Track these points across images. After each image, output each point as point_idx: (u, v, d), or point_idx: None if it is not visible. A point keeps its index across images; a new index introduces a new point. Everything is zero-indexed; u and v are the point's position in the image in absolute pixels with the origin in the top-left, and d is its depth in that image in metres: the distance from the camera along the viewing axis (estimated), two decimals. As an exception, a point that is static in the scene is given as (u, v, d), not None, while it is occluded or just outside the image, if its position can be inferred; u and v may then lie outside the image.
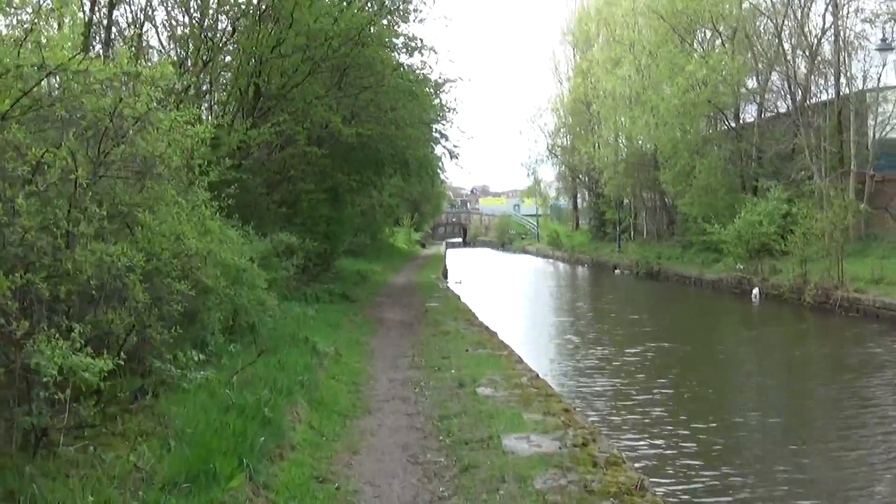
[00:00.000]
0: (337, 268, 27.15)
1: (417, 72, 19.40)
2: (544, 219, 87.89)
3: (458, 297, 23.77)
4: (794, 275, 26.93)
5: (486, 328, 16.09)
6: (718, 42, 39.55)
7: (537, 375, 10.64)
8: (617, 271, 44.64)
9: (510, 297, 32.18)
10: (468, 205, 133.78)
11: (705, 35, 40.74)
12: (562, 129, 66.69)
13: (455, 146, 23.92)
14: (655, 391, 13.34)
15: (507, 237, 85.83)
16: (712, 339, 20.60)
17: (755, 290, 28.77)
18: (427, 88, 19.39)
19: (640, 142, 45.61)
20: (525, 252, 73.55)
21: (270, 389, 7.68)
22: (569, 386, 13.72)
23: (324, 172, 20.35)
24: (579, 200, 74.12)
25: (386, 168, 23.76)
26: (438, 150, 24.60)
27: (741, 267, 30.42)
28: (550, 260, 62.29)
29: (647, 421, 11.19)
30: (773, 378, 15.00)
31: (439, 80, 19.51)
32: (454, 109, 21.60)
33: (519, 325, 22.21)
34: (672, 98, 34.86)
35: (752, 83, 38.07)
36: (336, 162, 20.86)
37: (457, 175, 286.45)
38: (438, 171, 25.30)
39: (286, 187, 18.80)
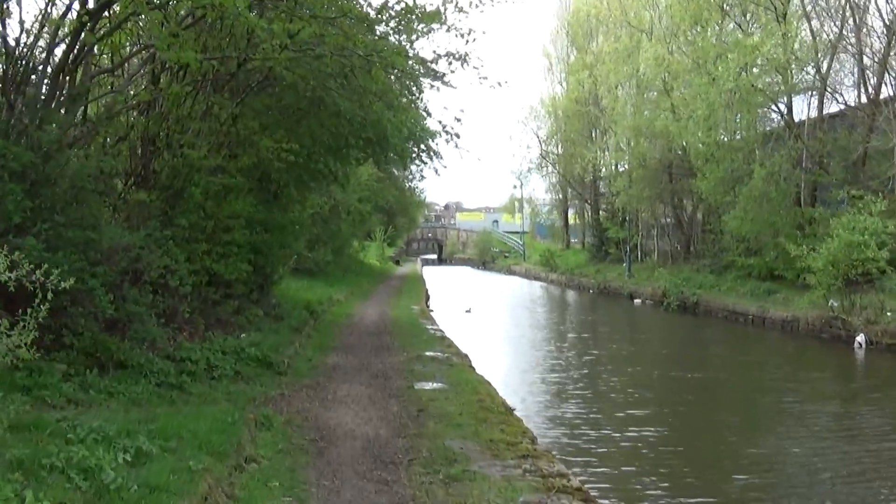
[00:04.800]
0: (277, 296, 18.65)
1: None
2: (528, 236, 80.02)
3: (469, 362, 13.96)
4: (924, 318, 19.18)
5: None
6: (756, 26, 32.18)
7: None
8: (636, 301, 36.40)
9: (531, 349, 22.05)
10: (442, 220, 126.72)
11: (744, 16, 33.19)
12: (556, 135, 58.72)
13: (457, 118, 15.35)
14: None
15: (489, 255, 77.52)
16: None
17: (860, 337, 20.83)
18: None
19: (661, 143, 37.64)
20: (511, 272, 65.23)
21: None
22: None
23: (244, 140, 11.87)
24: (570, 215, 66.27)
25: (351, 147, 15.30)
26: (431, 122, 16.11)
27: (835, 304, 22.36)
28: (544, 283, 53.81)
29: None
30: None
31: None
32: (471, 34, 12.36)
33: (598, 446, 10.98)
34: (725, 82, 26.91)
35: (810, 69, 30.44)
36: (267, 126, 12.41)
37: (430, 185, 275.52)
38: (432, 155, 16.68)
39: (165, 159, 10.19)
